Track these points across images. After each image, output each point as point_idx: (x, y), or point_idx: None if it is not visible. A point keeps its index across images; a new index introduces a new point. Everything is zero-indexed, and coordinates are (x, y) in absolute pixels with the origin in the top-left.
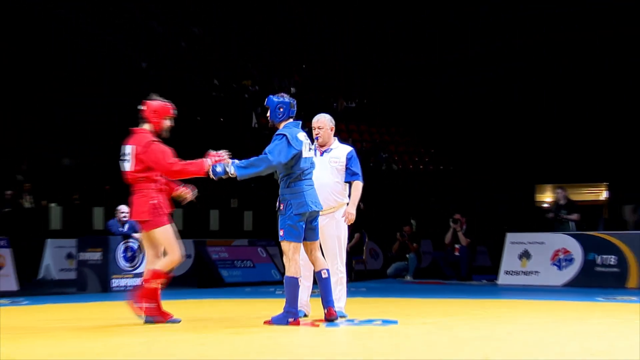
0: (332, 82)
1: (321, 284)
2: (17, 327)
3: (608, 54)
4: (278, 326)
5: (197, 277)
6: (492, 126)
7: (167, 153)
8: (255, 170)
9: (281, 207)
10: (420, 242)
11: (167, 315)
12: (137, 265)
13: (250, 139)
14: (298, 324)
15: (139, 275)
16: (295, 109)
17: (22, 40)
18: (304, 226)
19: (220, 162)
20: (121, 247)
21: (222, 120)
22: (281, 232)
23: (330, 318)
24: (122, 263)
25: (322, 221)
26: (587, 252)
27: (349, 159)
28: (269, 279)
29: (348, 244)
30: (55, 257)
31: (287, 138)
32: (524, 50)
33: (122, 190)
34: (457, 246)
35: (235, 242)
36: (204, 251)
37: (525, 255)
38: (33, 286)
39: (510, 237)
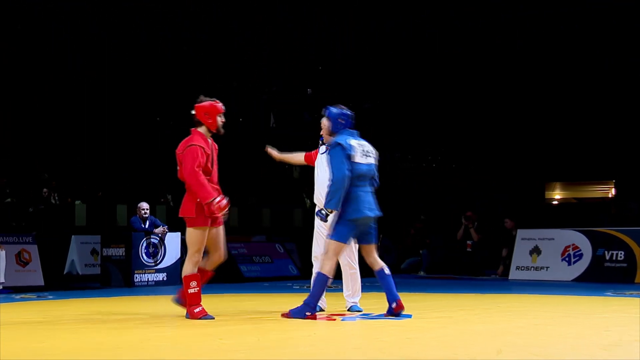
0: (349, 83)
1: (385, 280)
2: (42, 322)
3: (617, 52)
4: (295, 320)
5: (217, 272)
6: (500, 124)
7: (196, 160)
8: (338, 195)
9: (339, 211)
10: (430, 237)
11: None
12: (159, 260)
13: (267, 139)
14: (315, 317)
15: (161, 270)
16: (353, 121)
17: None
18: (354, 231)
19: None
20: (144, 243)
21: (240, 120)
22: (330, 231)
23: (399, 311)
24: (145, 258)
25: (329, 218)
26: (596, 247)
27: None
28: (287, 274)
29: None
30: (80, 253)
31: (340, 146)
32: (530, 47)
33: (142, 187)
34: (469, 242)
35: (254, 239)
36: None
37: (536, 250)
38: (58, 281)
39: (520, 233)
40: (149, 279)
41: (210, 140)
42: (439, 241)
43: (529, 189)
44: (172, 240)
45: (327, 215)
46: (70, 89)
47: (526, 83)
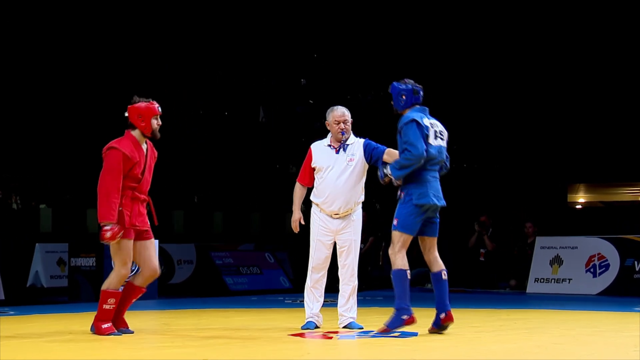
0: (347, 73)
1: (439, 286)
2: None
3: None
4: (288, 338)
5: (199, 285)
6: (517, 119)
7: (115, 168)
8: (409, 170)
9: (401, 195)
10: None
11: (123, 323)
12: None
13: (256, 133)
14: (414, 320)
15: None
16: (421, 95)
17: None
18: (421, 220)
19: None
20: None
21: (226, 114)
22: (395, 221)
23: (446, 324)
24: None
25: (339, 224)
26: (625, 257)
27: (366, 146)
28: (278, 287)
29: (362, 248)
30: (45, 263)
31: (416, 122)
32: (552, 38)
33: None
34: (482, 251)
35: (241, 247)
36: (206, 257)
37: (557, 260)
38: (21, 295)
39: (540, 241)
40: None
41: (145, 146)
42: (449, 250)
43: (550, 191)
44: None
45: (385, 175)
46: (34, 80)
47: (547, 73)
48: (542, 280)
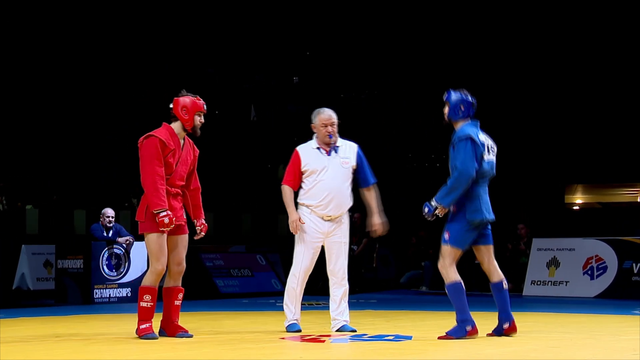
0: (340, 71)
1: (501, 296)
2: None
3: None
4: (280, 342)
5: (189, 288)
6: (513, 118)
7: (155, 156)
8: (459, 192)
9: (454, 210)
10: (434, 247)
11: (178, 328)
12: (123, 273)
13: (247, 133)
14: (476, 332)
15: (125, 285)
16: (475, 109)
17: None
18: (473, 235)
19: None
20: (105, 254)
21: (217, 112)
22: (446, 235)
23: (509, 334)
24: (106, 271)
25: (329, 227)
26: (623, 259)
27: (360, 159)
28: (269, 290)
29: (355, 250)
30: (31, 265)
31: (471, 140)
32: (550, 37)
33: (103, 190)
34: None
35: (232, 249)
36: (196, 258)
37: (554, 263)
38: (6, 298)
39: (536, 242)
40: (111, 295)
41: (183, 140)
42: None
43: (547, 192)
44: (138, 251)
45: (434, 209)
46: (22, 81)
47: (544, 74)
48: (538, 282)
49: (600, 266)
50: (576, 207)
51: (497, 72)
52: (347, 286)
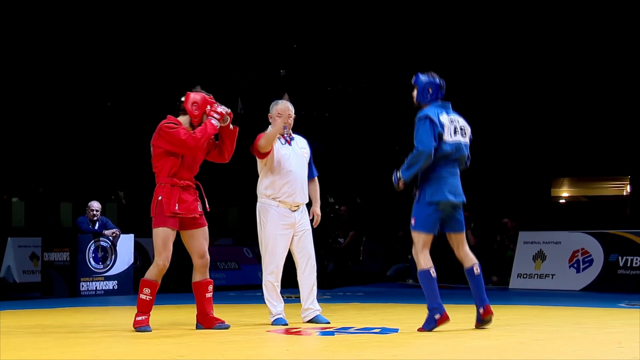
0: (328, 64)
1: (475, 281)
2: None
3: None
4: (266, 335)
5: (175, 281)
6: (500, 112)
7: (179, 131)
8: (417, 167)
9: (417, 195)
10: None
11: (214, 320)
12: (109, 266)
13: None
14: (447, 318)
15: (111, 278)
16: (444, 91)
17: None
18: (438, 217)
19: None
20: (91, 247)
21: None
22: (412, 221)
23: (487, 318)
24: (93, 264)
25: (296, 217)
26: (609, 253)
27: (311, 151)
28: (256, 282)
29: (342, 243)
30: (17, 258)
31: (429, 120)
32: (537, 34)
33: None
34: None
35: (219, 242)
36: (183, 251)
37: (540, 256)
38: None
39: (523, 236)
40: (97, 288)
41: None
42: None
43: (533, 185)
44: (125, 243)
45: (398, 180)
46: (12, 75)
47: (531, 68)
48: (524, 275)
49: (586, 259)
50: (562, 201)
51: (485, 66)
52: (315, 274)
